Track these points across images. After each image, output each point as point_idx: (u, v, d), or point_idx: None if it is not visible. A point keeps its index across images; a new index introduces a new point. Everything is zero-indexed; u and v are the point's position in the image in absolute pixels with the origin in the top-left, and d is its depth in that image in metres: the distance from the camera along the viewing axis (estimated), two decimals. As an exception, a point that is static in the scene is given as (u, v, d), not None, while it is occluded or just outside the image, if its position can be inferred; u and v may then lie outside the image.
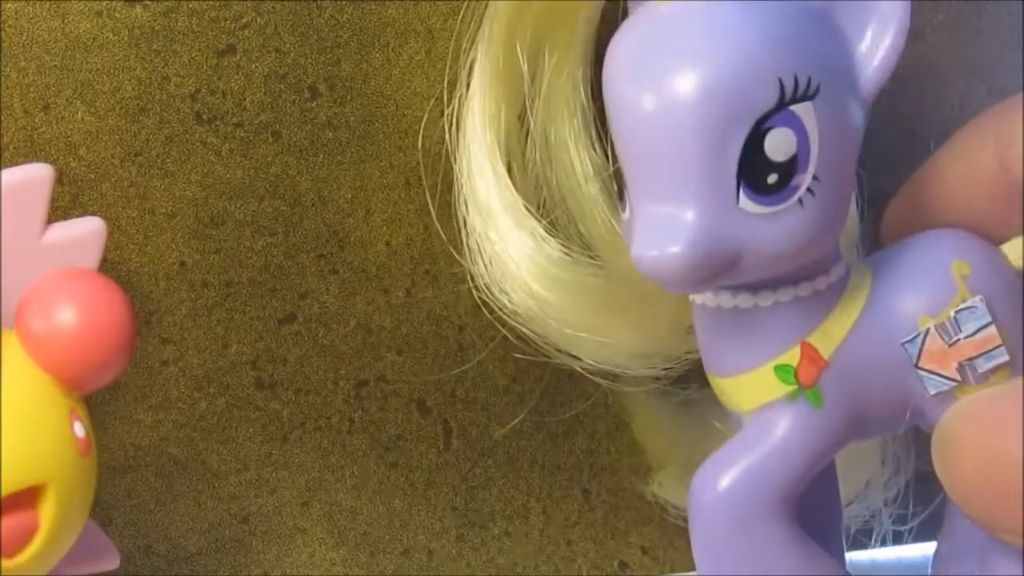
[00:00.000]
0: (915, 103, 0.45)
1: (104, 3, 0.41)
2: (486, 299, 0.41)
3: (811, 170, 0.32)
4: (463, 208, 0.41)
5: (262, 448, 0.46)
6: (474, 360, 0.46)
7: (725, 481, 0.34)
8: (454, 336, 0.46)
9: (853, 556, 0.42)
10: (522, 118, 0.41)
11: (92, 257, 0.39)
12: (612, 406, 0.47)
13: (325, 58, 0.42)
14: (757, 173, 0.32)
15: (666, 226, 0.32)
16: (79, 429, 0.38)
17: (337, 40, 0.42)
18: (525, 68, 0.40)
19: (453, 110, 0.41)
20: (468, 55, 0.40)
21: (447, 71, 0.42)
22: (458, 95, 0.41)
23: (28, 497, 0.36)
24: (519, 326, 0.41)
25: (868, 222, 0.42)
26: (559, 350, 0.41)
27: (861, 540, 0.46)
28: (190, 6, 0.41)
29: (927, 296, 0.35)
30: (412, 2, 0.42)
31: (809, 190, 0.32)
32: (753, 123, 0.32)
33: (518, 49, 0.39)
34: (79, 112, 0.42)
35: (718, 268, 0.32)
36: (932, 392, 0.35)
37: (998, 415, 0.32)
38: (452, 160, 0.41)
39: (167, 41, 0.41)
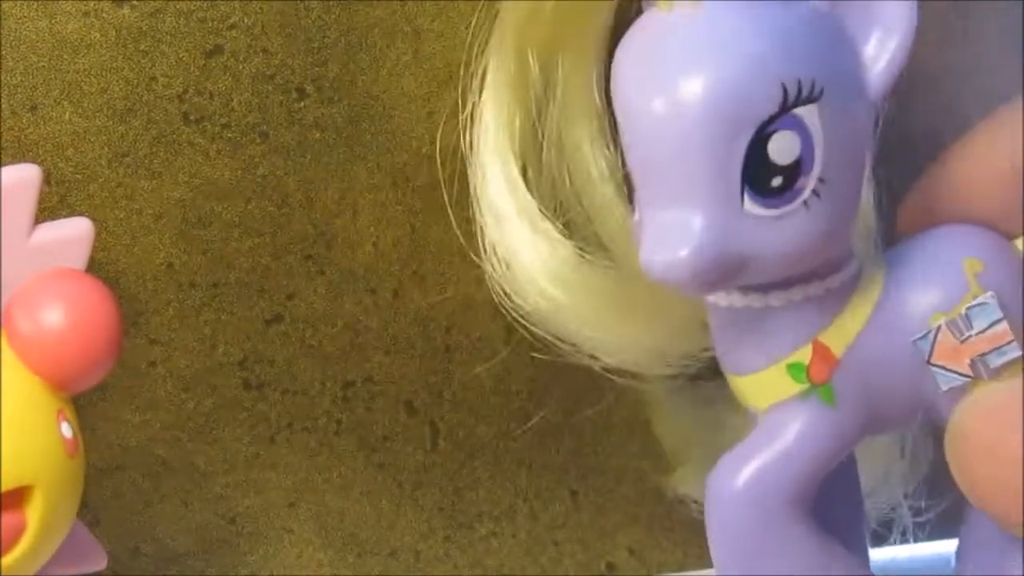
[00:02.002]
0: (902, 106, 0.45)
1: (92, 4, 0.41)
2: (502, 301, 0.41)
3: (816, 172, 0.32)
4: (477, 212, 0.41)
5: (249, 449, 0.46)
6: (461, 360, 0.46)
7: (739, 480, 0.35)
8: (441, 337, 0.46)
9: (874, 555, 0.42)
10: (536, 123, 0.41)
11: (80, 258, 0.39)
12: (600, 407, 0.47)
13: (312, 59, 0.42)
14: (761, 176, 0.32)
15: (672, 232, 0.32)
16: (66, 430, 0.38)
17: (324, 41, 0.42)
18: (537, 73, 0.40)
19: (467, 115, 0.41)
20: (480, 62, 0.40)
21: (436, 71, 0.42)
22: (471, 103, 0.41)
23: (15, 498, 0.36)
24: (534, 327, 0.41)
25: (887, 218, 0.41)
26: (575, 348, 0.41)
27: (881, 534, 0.46)
28: (177, 7, 0.41)
29: (939, 293, 0.35)
30: (399, 3, 0.42)
31: (814, 192, 0.32)
32: (757, 127, 0.32)
33: (530, 55, 0.40)
34: (67, 113, 0.41)
35: (725, 272, 0.32)
36: (944, 388, 0.34)
37: (1007, 411, 0.32)
38: (467, 165, 0.41)
39: (154, 42, 0.41)
